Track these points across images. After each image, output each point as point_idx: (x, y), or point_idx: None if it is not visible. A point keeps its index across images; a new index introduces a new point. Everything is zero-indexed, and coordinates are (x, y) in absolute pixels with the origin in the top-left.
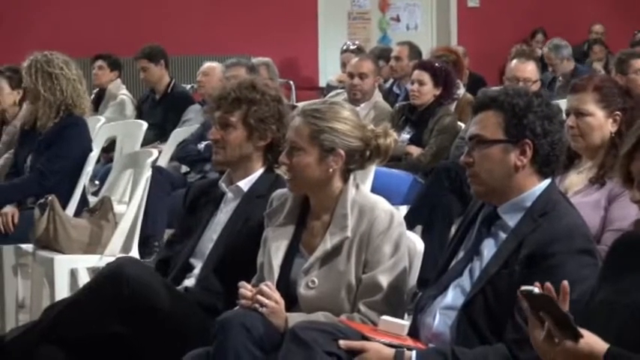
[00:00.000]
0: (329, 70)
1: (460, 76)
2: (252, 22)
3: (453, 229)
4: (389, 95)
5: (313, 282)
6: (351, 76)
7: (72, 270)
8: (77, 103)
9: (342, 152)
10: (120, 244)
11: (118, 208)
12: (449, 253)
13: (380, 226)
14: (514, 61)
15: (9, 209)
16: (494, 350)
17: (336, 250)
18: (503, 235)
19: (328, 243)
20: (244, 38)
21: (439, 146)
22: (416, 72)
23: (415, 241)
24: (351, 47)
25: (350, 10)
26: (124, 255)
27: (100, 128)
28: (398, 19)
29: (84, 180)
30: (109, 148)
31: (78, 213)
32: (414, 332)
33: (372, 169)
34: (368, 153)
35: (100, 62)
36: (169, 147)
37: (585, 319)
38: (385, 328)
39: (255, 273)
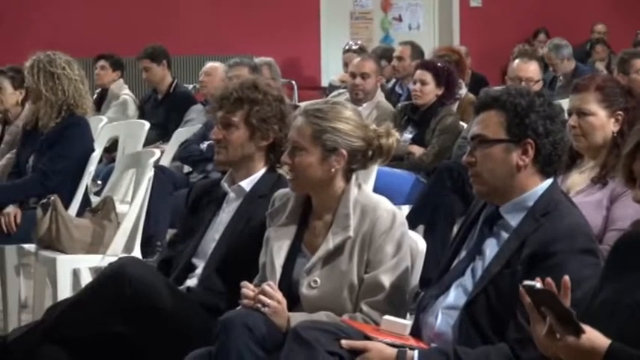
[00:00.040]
0: (331, 70)
1: (462, 76)
2: (254, 22)
3: (455, 229)
4: (391, 95)
5: (315, 282)
6: (353, 75)
7: (74, 270)
8: (79, 103)
9: (345, 152)
10: (122, 244)
11: (120, 208)
12: (451, 253)
13: (382, 226)
14: (516, 61)
15: (11, 209)
16: (497, 350)
17: (338, 250)
18: (505, 235)
19: (330, 243)
20: (247, 38)
21: (441, 146)
22: (418, 72)
23: (417, 241)
24: (354, 47)
25: (352, 9)
26: (126, 255)
27: (102, 128)
28: (400, 19)
29: (86, 180)
30: (112, 148)
31: (80, 213)
32: (416, 332)
33: (375, 169)
34: (370, 153)
35: (102, 62)
36: (172, 147)
37: (587, 319)
38: (387, 328)
39: (258, 273)
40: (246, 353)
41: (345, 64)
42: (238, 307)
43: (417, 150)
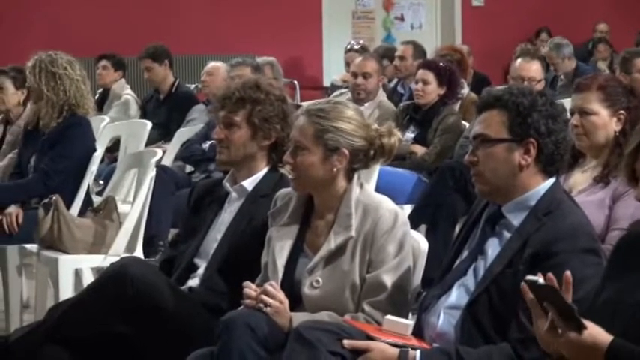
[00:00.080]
0: (333, 70)
1: (464, 76)
2: (256, 21)
3: (457, 229)
4: (393, 95)
5: (317, 281)
6: (355, 75)
7: (76, 270)
8: (80, 103)
9: (347, 152)
10: (124, 243)
11: (122, 207)
12: (453, 253)
13: (384, 226)
14: (519, 60)
15: (13, 209)
16: (499, 349)
17: (340, 250)
18: (507, 235)
19: (332, 242)
20: (248, 38)
21: (443, 145)
22: (420, 71)
23: (419, 241)
24: (355, 47)
25: (354, 9)
26: (128, 255)
27: (104, 128)
28: (402, 19)
29: (88, 180)
30: (113, 147)
31: (82, 213)
32: (418, 332)
33: (377, 169)
34: (372, 152)
35: (104, 62)
36: (173, 147)
37: (589, 318)
38: (389, 328)
39: (259, 273)
40: (248, 353)
41: (347, 64)
42: (240, 307)
43: (419, 149)
